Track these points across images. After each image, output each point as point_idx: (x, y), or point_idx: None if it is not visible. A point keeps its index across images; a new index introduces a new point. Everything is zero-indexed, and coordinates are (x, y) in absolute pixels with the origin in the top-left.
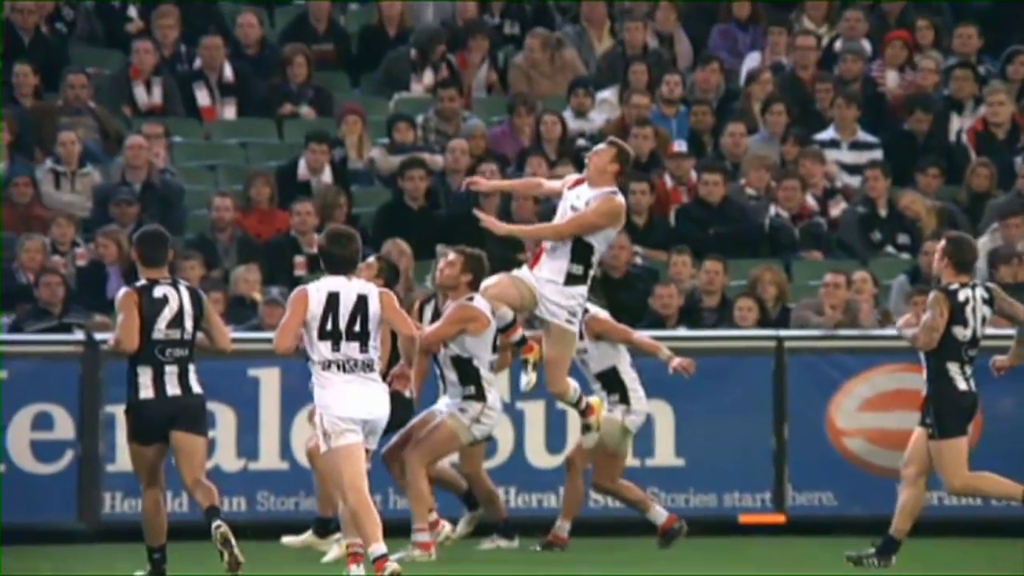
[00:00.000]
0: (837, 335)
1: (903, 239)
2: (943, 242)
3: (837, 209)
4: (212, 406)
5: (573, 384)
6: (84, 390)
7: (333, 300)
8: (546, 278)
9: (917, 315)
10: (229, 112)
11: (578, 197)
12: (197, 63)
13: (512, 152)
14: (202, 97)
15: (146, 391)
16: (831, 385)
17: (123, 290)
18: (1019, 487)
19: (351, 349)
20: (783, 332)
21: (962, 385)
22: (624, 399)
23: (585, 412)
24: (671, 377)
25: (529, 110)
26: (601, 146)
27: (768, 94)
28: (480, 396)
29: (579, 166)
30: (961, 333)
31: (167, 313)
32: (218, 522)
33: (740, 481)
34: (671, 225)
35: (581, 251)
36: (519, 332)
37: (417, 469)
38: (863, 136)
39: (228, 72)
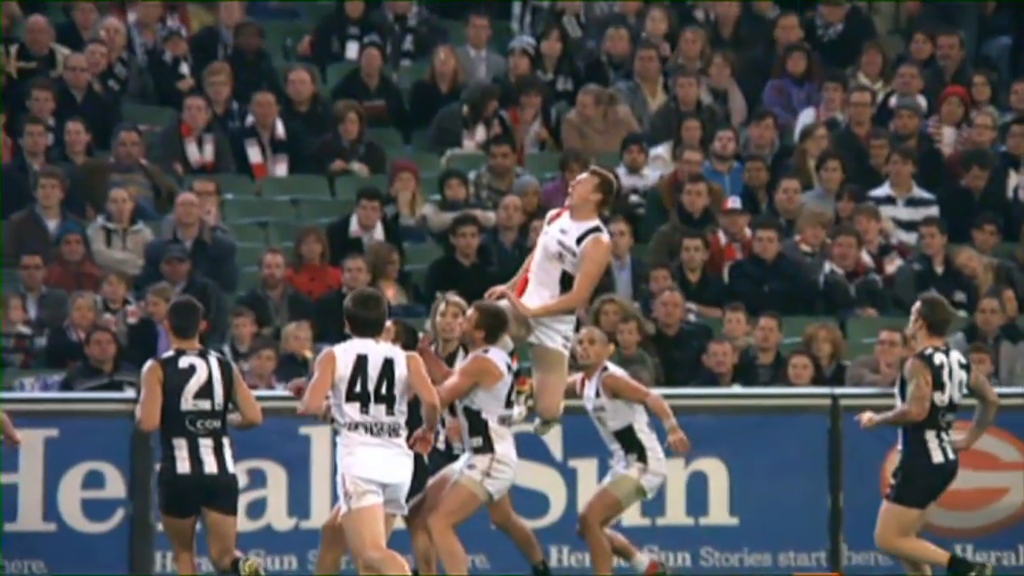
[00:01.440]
0: (893, 393)
1: (959, 296)
2: (918, 304)
3: (893, 266)
4: (263, 464)
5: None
6: (135, 448)
7: (361, 362)
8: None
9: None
10: (281, 169)
11: (563, 231)
12: (249, 120)
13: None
14: (254, 154)
15: (183, 465)
16: (886, 444)
17: (148, 363)
18: (946, 553)
19: (379, 412)
20: (838, 390)
21: (937, 457)
22: (642, 458)
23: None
24: (726, 435)
25: (582, 166)
26: (584, 175)
27: (823, 150)
28: (488, 448)
29: (632, 223)
30: (939, 398)
31: (194, 384)
32: (243, 557)
33: (795, 540)
34: (725, 282)
35: (569, 283)
36: (515, 363)
37: (445, 534)
38: (919, 192)
39: (280, 129)
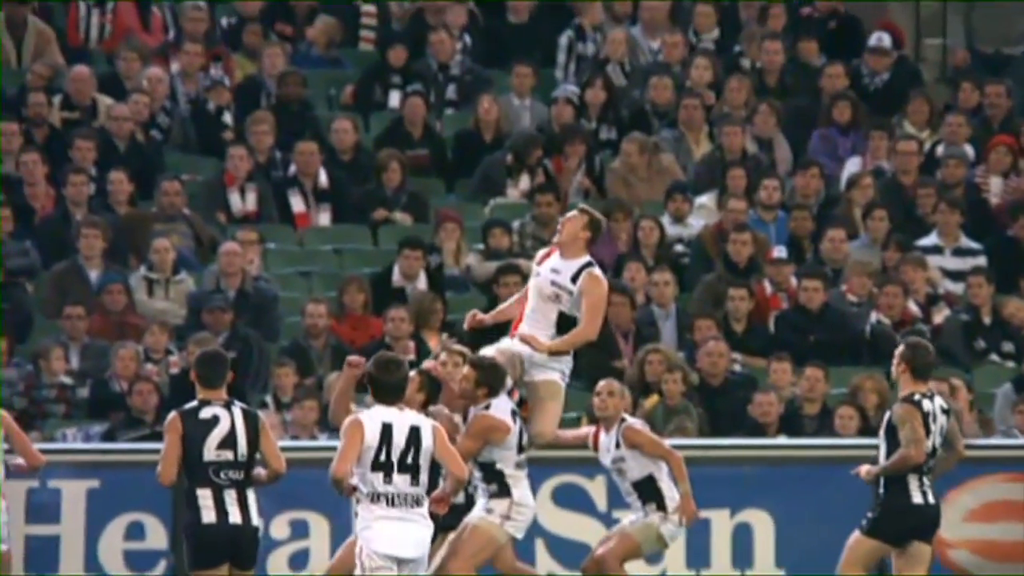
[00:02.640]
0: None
1: (1008, 347)
2: (901, 347)
3: (940, 316)
4: (305, 515)
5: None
6: (177, 500)
7: (387, 431)
8: (531, 353)
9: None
10: (324, 218)
11: (555, 271)
12: (292, 169)
13: (609, 258)
14: (296, 203)
15: (208, 514)
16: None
17: (170, 415)
18: None
19: (402, 482)
20: None
21: (917, 498)
22: (661, 507)
23: None
24: (772, 486)
25: (626, 215)
26: (572, 213)
27: (869, 199)
28: (505, 493)
29: (677, 272)
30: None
31: (216, 434)
32: None
33: None
34: (770, 332)
35: (564, 325)
36: (516, 396)
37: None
38: (966, 242)
39: (323, 178)
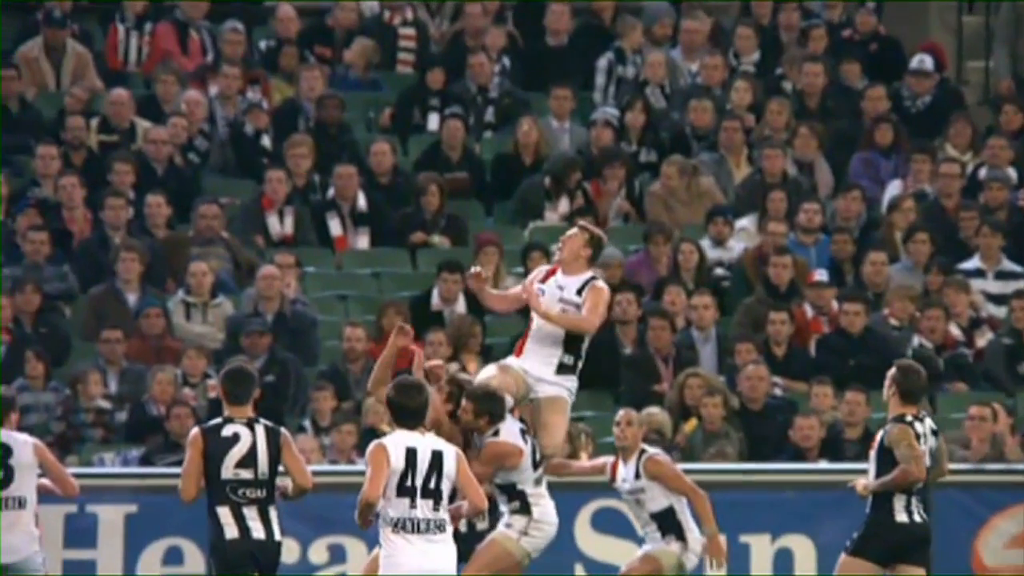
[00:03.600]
0: (983, 469)
1: None
2: (893, 370)
3: (983, 340)
4: (343, 540)
5: None
6: None
7: (411, 456)
8: (536, 371)
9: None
10: (362, 241)
11: (560, 287)
12: (330, 192)
13: (649, 281)
14: (335, 226)
15: (231, 530)
16: (977, 521)
17: (193, 431)
18: None
19: (426, 507)
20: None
21: (901, 517)
22: (681, 537)
23: None
24: (813, 511)
25: (666, 239)
26: (573, 231)
27: (911, 222)
28: (525, 510)
29: (718, 296)
30: None
31: (235, 453)
32: None
33: None
34: (811, 355)
35: (572, 341)
36: (517, 414)
37: None
38: (1009, 265)
39: (361, 201)
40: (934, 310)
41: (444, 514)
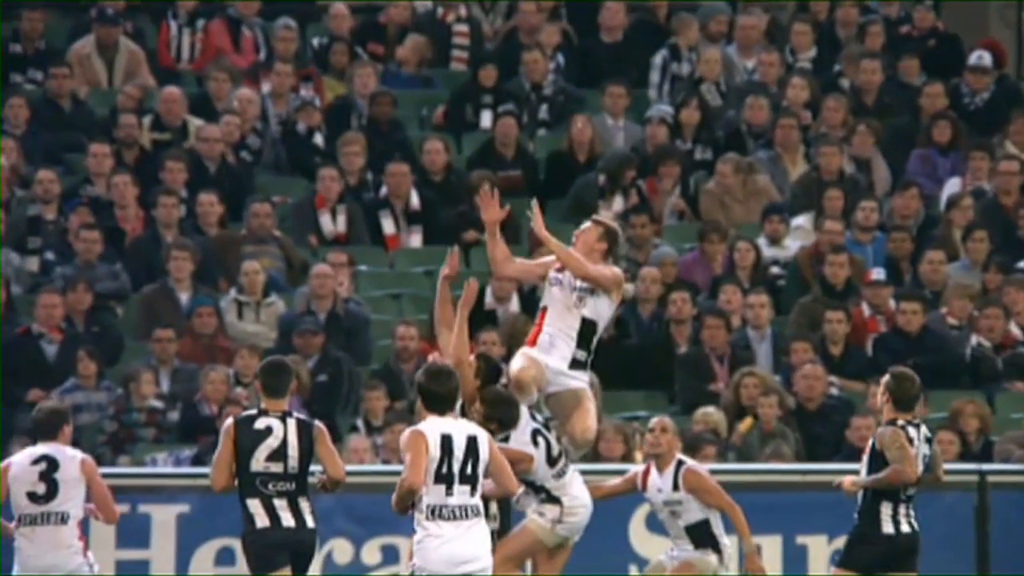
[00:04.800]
0: None
1: None
2: (886, 378)
3: None
4: (396, 541)
5: None
6: None
7: (447, 442)
8: (555, 365)
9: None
10: (415, 240)
11: (575, 277)
12: (383, 191)
13: (704, 280)
14: (387, 225)
15: (261, 520)
16: None
17: (226, 421)
18: None
19: (463, 493)
20: (986, 466)
21: (888, 528)
22: (717, 550)
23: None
24: None
25: (721, 237)
26: (587, 224)
27: (969, 221)
28: (554, 501)
29: (773, 295)
30: None
31: (266, 446)
32: None
33: None
34: (868, 355)
35: (586, 334)
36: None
37: (498, 568)
38: None
39: (414, 199)
40: (992, 309)
41: (479, 499)
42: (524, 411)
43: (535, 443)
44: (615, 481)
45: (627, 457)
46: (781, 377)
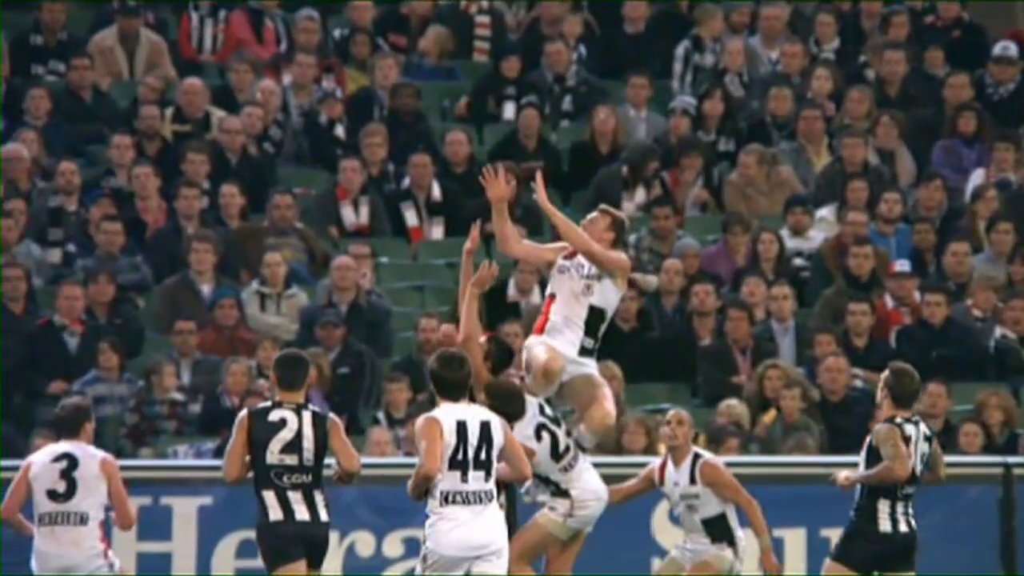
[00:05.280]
0: None
1: None
2: (885, 373)
3: None
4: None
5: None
6: None
7: (462, 429)
8: (566, 352)
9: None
10: (437, 232)
11: (582, 265)
12: (405, 182)
13: (727, 272)
14: (410, 217)
15: (275, 513)
16: None
17: (241, 413)
18: None
19: (477, 479)
20: (1011, 459)
21: (885, 526)
22: (732, 544)
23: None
24: None
25: (745, 229)
26: (594, 214)
27: (994, 212)
28: (563, 494)
29: (797, 286)
30: None
31: (280, 438)
32: None
33: None
34: (892, 347)
35: (594, 322)
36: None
37: (518, 564)
38: None
39: (436, 191)
40: (1017, 301)
41: (493, 485)
42: (532, 405)
43: (539, 438)
44: (632, 482)
45: (650, 449)
46: (804, 369)
